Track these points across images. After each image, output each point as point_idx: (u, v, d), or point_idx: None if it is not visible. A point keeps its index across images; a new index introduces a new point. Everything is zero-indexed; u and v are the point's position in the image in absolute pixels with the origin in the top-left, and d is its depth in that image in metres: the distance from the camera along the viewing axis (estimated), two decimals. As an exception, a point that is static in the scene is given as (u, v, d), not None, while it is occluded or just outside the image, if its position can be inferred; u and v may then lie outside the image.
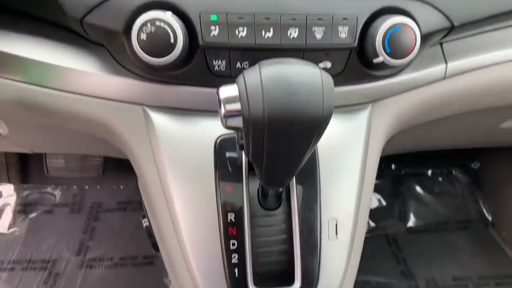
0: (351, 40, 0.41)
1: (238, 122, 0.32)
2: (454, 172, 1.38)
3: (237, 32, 0.40)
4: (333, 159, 0.45)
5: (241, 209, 0.41)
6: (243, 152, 0.38)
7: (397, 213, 1.29)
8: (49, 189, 1.27)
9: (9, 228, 1.20)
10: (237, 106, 0.31)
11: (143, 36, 0.38)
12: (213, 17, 0.40)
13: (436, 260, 1.19)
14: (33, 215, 1.23)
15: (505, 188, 1.26)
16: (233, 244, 0.40)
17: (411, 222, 1.28)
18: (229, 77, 0.43)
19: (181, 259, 0.43)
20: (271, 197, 0.41)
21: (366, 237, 1.32)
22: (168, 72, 0.42)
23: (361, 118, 0.48)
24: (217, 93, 0.33)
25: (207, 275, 0.41)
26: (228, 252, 0.41)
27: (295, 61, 0.33)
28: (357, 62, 0.43)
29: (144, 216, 0.59)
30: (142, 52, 0.39)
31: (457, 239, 1.26)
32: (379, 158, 0.50)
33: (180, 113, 0.46)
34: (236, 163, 0.43)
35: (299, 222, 0.41)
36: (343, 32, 0.41)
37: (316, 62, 0.42)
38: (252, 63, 0.42)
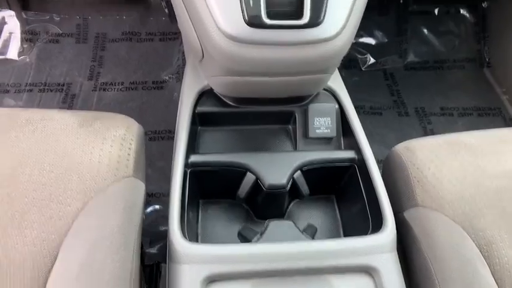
0: None
1: None
2: (461, 11, 1.35)
3: None
4: None
5: None
6: None
7: (397, 50, 1.32)
8: (53, 18, 1.26)
9: (19, 55, 1.23)
10: None
11: None
12: None
13: (428, 93, 1.27)
14: (39, 43, 1.25)
15: (510, 29, 1.26)
16: None
17: (409, 58, 1.32)
18: None
19: None
20: None
21: (364, 71, 1.37)
22: None
23: None
24: None
25: (225, 10, 0.44)
26: None
27: None
28: None
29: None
30: None
31: (451, 76, 1.32)
32: None
33: None
34: None
35: None
36: None
37: None
38: None
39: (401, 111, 1.22)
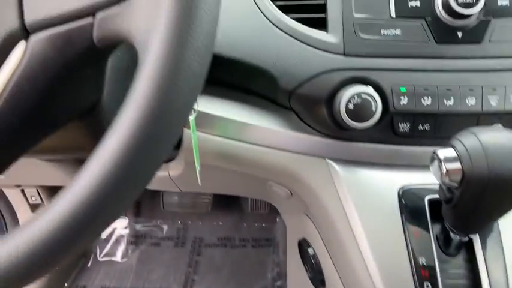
0: None
1: (455, 178, 0.39)
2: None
3: (422, 101, 0.48)
4: None
5: (430, 253, 0.47)
6: (447, 204, 0.44)
7: None
8: (158, 223, 1.40)
9: (122, 257, 1.32)
10: (457, 165, 0.39)
11: (350, 106, 0.47)
12: (403, 89, 0.49)
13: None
14: (143, 246, 1.35)
15: None
16: (427, 286, 0.46)
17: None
18: (411, 137, 0.50)
19: None
20: (455, 244, 0.47)
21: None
22: (356, 132, 0.51)
23: None
24: (435, 154, 0.41)
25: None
26: None
27: (501, 128, 0.40)
28: None
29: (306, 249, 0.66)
30: (348, 119, 0.47)
31: None
32: None
33: (361, 165, 0.54)
34: (420, 212, 0.49)
35: (486, 271, 0.46)
36: None
37: (489, 124, 0.49)
38: (432, 126, 0.50)
39: None
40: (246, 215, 1.40)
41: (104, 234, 1.35)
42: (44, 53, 0.27)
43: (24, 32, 0.27)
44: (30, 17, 0.27)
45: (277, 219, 1.34)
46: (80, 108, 0.39)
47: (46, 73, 0.28)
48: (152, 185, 0.88)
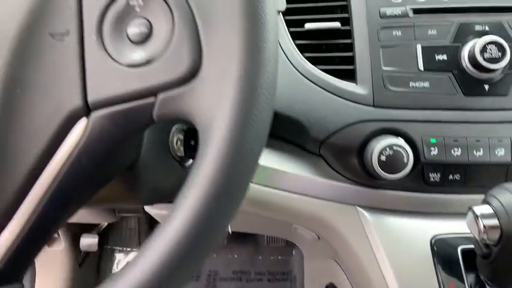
0: None
1: (493, 235, 0.39)
2: None
3: (452, 152, 0.49)
4: None
5: None
6: (484, 260, 0.44)
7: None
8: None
9: (136, 291, 1.31)
10: (494, 222, 0.39)
11: (383, 158, 0.48)
12: (433, 140, 0.50)
13: None
14: None
15: None
16: None
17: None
18: (441, 186, 0.51)
19: None
20: None
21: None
22: (387, 181, 0.52)
23: None
24: (472, 211, 0.41)
25: None
26: None
27: None
28: None
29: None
30: (381, 170, 0.48)
31: None
32: None
33: (391, 212, 0.54)
34: (453, 261, 0.49)
35: None
36: None
37: None
38: (462, 176, 0.50)
39: None
40: (261, 247, 1.39)
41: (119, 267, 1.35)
42: (103, 129, 0.29)
43: (86, 109, 0.29)
44: (93, 97, 0.29)
45: (294, 252, 1.33)
46: (124, 166, 0.41)
47: (104, 146, 0.30)
48: None
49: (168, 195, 0.54)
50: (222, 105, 0.26)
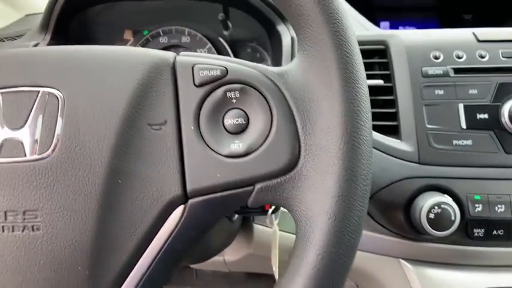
0: None
1: None
2: None
3: (496, 209, 0.51)
4: None
5: None
6: None
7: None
8: (188, 290, 1.37)
9: None
10: None
11: (431, 216, 0.49)
12: (477, 197, 0.51)
13: None
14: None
15: None
16: None
17: None
18: (485, 240, 0.52)
19: None
20: None
21: None
22: (431, 236, 0.53)
23: None
24: None
25: None
26: None
27: None
28: None
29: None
30: (429, 228, 0.49)
31: None
32: None
33: (435, 265, 0.55)
34: None
35: None
36: None
37: None
38: (506, 232, 0.52)
39: None
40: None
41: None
42: (199, 215, 0.30)
43: (185, 197, 0.30)
44: (192, 186, 0.29)
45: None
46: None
47: (197, 231, 0.30)
48: (203, 266, 0.88)
49: (217, 251, 0.54)
50: (323, 200, 0.27)
